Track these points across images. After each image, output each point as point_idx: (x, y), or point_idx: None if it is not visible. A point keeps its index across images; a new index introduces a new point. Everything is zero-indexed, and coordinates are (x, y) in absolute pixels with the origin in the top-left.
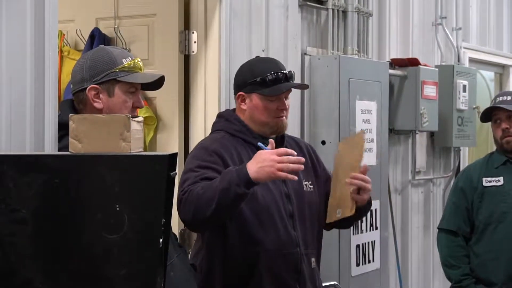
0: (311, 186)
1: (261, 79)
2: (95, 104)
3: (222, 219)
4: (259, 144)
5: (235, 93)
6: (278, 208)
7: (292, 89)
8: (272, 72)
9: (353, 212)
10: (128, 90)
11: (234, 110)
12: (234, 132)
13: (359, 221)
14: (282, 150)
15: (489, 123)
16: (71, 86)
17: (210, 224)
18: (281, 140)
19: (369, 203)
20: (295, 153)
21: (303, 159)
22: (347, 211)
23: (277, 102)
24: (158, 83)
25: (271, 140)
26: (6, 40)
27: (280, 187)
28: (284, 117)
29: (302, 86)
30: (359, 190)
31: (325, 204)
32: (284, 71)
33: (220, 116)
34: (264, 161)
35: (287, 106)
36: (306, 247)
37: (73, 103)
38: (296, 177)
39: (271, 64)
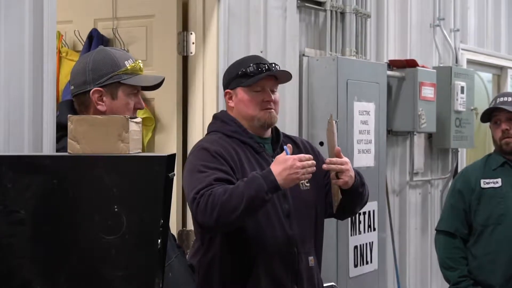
0: (308, 184)
1: (242, 72)
2: (99, 107)
3: (243, 222)
4: (285, 147)
5: (224, 93)
6: (275, 208)
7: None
8: (253, 64)
9: (340, 196)
10: (130, 92)
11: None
12: (230, 133)
13: (357, 222)
14: (302, 156)
15: (487, 124)
16: (72, 87)
17: (231, 228)
18: (277, 139)
19: (358, 182)
20: (312, 156)
21: (314, 162)
22: (336, 197)
23: (262, 94)
24: (157, 84)
25: (289, 145)
26: (5, 41)
27: None
28: (272, 110)
29: (284, 73)
30: (337, 173)
31: (326, 197)
32: (265, 63)
33: (215, 117)
34: (291, 168)
35: (273, 98)
36: (304, 247)
37: (71, 104)
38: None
39: (254, 58)
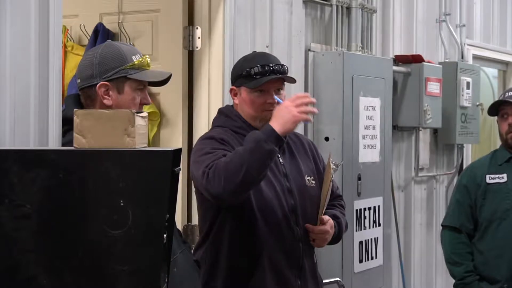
0: (313, 182)
1: (247, 72)
2: (105, 101)
3: (253, 184)
4: (276, 97)
5: (229, 89)
6: (280, 203)
7: (296, 84)
8: (258, 65)
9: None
10: (137, 87)
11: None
12: (235, 129)
13: (362, 218)
14: (295, 97)
15: (493, 120)
16: (78, 81)
17: (240, 192)
18: None
19: (334, 236)
20: (308, 94)
21: (314, 99)
22: (321, 210)
23: (265, 96)
24: (164, 80)
25: (283, 92)
26: (11, 36)
27: (282, 182)
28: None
29: (288, 79)
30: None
31: None
32: (271, 64)
33: (220, 112)
34: (282, 112)
35: (276, 100)
36: (308, 243)
37: (78, 98)
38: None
39: (261, 58)
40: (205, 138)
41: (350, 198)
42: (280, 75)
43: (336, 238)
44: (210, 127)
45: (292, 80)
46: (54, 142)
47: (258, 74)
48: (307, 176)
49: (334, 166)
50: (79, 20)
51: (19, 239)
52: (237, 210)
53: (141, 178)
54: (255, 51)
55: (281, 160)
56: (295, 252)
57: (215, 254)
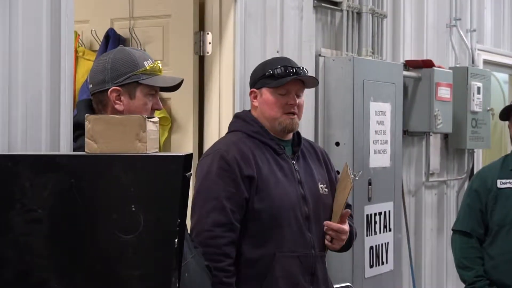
0: (326, 190)
1: (269, 73)
2: (116, 106)
3: None
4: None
5: (249, 91)
6: (294, 209)
7: (306, 89)
8: (281, 66)
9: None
10: (148, 92)
11: (250, 111)
12: (251, 133)
13: (373, 223)
14: None
15: (503, 125)
16: (90, 86)
17: None
18: (298, 142)
19: (345, 245)
20: None
21: None
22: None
23: (287, 97)
24: (175, 86)
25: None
26: (23, 41)
27: (296, 189)
28: (295, 116)
29: (311, 79)
30: (332, 238)
31: None
32: (293, 66)
33: (237, 116)
34: None
35: (297, 103)
36: (321, 249)
37: (89, 103)
38: None
39: (283, 60)
40: (218, 156)
41: (361, 203)
42: (301, 75)
43: (347, 245)
44: (221, 131)
45: (315, 82)
46: (65, 147)
47: (281, 75)
48: (320, 184)
49: (352, 176)
50: (90, 25)
51: (30, 244)
52: (250, 216)
53: (152, 183)
54: (274, 57)
55: (296, 167)
56: (307, 258)
57: None
